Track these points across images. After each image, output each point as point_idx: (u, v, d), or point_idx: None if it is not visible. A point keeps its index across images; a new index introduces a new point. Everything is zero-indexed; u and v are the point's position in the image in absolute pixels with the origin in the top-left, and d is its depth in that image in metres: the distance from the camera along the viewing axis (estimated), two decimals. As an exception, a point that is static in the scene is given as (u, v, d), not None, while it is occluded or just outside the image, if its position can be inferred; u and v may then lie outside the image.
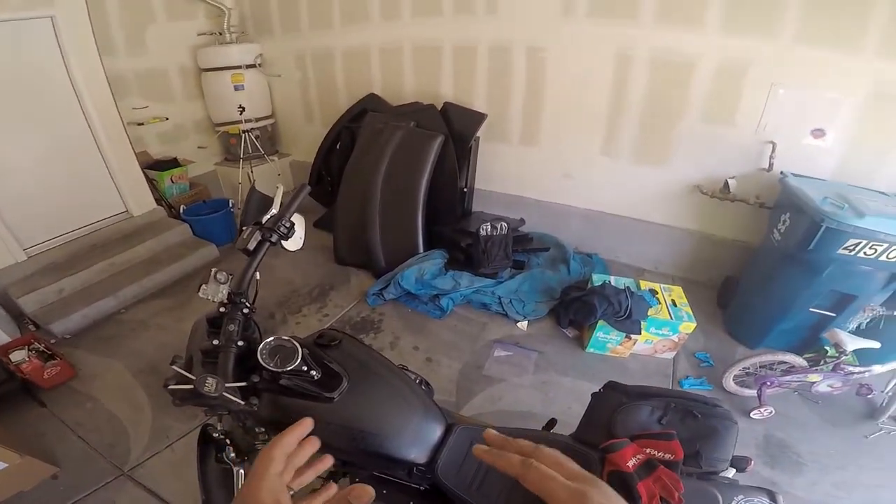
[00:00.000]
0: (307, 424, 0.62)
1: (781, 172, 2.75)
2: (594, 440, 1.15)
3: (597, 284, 2.71)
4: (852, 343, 2.12)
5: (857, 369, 2.19)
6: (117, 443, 2.16)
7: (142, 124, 4.01)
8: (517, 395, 2.43)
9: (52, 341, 2.70)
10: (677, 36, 2.81)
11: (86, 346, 2.80)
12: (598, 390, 1.38)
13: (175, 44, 4.12)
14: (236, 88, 4.23)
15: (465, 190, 3.66)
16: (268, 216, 1.16)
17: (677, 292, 2.71)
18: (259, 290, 1.15)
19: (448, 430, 1.15)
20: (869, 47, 2.47)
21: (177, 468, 2.02)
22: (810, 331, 2.61)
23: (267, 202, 1.23)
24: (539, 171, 3.65)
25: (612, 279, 2.77)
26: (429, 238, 3.44)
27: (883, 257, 2.18)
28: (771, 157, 2.83)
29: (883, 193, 2.58)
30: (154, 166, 4.03)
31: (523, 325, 2.93)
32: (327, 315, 3.07)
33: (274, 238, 1.12)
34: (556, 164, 3.56)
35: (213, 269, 3.12)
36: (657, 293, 2.69)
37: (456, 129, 3.45)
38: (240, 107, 4.03)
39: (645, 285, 2.74)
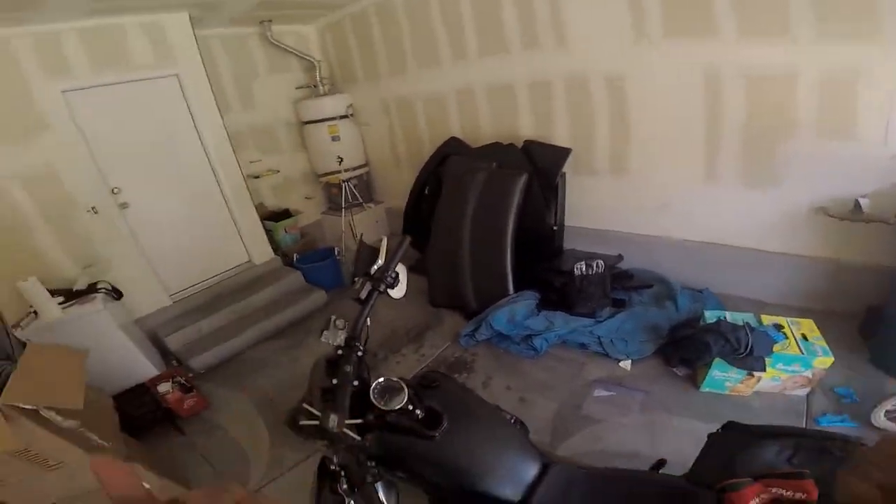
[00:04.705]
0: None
1: (930, 185, 2.38)
2: (710, 480, 1.07)
3: (710, 321, 2.47)
4: None
5: None
6: (239, 468, 2.37)
7: (258, 177, 4.37)
8: (620, 436, 2.29)
9: (191, 375, 3.07)
10: (766, 50, 2.59)
11: (216, 380, 3.15)
12: (715, 430, 1.35)
13: (278, 97, 4.42)
14: (333, 139, 4.46)
15: (555, 227, 3.59)
16: (375, 267, 1.27)
17: (808, 325, 2.38)
18: (369, 334, 1.25)
19: (544, 469, 1.14)
20: None
21: (290, 494, 2.14)
22: None
23: (374, 254, 1.32)
24: (633, 203, 3.47)
25: (728, 315, 2.51)
26: (520, 279, 3.39)
27: None
28: (910, 170, 2.46)
29: None
30: (269, 217, 4.39)
31: (626, 364, 2.75)
32: (424, 355, 3.15)
33: (382, 287, 1.23)
34: (652, 194, 3.37)
35: (332, 317, 3.49)
36: (783, 327, 2.38)
37: (540, 167, 3.44)
38: (338, 157, 4.29)
39: (767, 320, 2.44)
